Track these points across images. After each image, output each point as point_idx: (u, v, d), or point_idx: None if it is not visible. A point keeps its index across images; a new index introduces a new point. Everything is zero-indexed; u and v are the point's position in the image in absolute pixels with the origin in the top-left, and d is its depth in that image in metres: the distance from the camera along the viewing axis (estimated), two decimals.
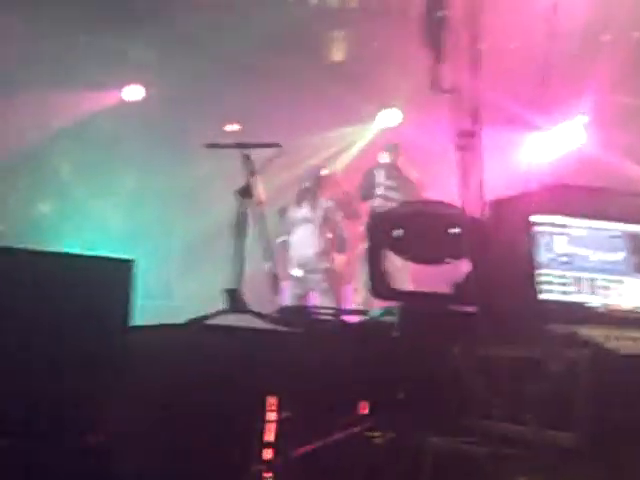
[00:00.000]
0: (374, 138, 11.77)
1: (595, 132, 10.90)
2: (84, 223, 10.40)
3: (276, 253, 7.67)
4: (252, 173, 6.10)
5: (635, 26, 10.45)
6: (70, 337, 4.08)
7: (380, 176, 9.95)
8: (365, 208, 9.69)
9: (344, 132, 11.84)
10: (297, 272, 9.31)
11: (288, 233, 9.38)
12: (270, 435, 4.51)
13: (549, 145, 11.14)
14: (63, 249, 5.41)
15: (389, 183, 9.91)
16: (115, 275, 4.26)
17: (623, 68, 10.03)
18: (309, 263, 9.29)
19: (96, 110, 10.60)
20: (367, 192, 9.87)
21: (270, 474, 4.48)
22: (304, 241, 9.31)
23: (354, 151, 11.96)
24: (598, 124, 10.83)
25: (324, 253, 9.33)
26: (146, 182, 10.77)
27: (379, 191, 9.87)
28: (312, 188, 9.41)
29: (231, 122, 10.30)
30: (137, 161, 10.76)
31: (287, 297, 8.96)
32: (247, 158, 6.17)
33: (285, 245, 9.36)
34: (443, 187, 6.26)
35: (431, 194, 9.22)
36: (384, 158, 10.05)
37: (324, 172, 9.69)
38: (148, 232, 10.39)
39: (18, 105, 9.90)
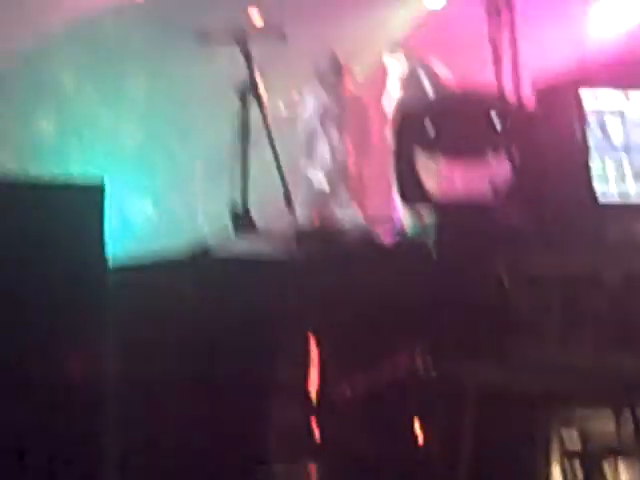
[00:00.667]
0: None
1: None
2: (92, 140, 9.30)
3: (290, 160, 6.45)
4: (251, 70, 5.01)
5: None
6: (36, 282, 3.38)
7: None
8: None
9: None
10: (320, 179, 7.81)
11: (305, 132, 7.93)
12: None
13: (615, 15, 9.67)
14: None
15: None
16: (84, 204, 3.49)
17: None
18: (335, 169, 7.77)
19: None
20: None
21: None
22: (328, 142, 7.78)
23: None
24: None
25: (357, 156, 7.89)
26: (158, 87, 9.73)
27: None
28: (331, 74, 7.74)
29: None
30: (146, 65, 9.69)
31: (305, 213, 7.48)
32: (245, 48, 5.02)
33: (303, 149, 7.86)
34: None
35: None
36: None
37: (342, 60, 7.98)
38: (165, 144, 9.42)
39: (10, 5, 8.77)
